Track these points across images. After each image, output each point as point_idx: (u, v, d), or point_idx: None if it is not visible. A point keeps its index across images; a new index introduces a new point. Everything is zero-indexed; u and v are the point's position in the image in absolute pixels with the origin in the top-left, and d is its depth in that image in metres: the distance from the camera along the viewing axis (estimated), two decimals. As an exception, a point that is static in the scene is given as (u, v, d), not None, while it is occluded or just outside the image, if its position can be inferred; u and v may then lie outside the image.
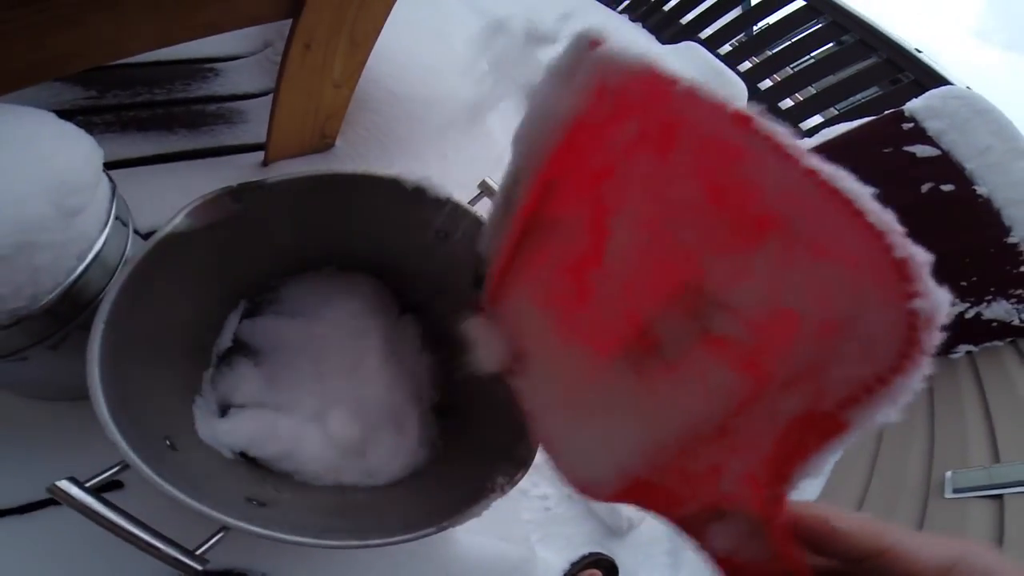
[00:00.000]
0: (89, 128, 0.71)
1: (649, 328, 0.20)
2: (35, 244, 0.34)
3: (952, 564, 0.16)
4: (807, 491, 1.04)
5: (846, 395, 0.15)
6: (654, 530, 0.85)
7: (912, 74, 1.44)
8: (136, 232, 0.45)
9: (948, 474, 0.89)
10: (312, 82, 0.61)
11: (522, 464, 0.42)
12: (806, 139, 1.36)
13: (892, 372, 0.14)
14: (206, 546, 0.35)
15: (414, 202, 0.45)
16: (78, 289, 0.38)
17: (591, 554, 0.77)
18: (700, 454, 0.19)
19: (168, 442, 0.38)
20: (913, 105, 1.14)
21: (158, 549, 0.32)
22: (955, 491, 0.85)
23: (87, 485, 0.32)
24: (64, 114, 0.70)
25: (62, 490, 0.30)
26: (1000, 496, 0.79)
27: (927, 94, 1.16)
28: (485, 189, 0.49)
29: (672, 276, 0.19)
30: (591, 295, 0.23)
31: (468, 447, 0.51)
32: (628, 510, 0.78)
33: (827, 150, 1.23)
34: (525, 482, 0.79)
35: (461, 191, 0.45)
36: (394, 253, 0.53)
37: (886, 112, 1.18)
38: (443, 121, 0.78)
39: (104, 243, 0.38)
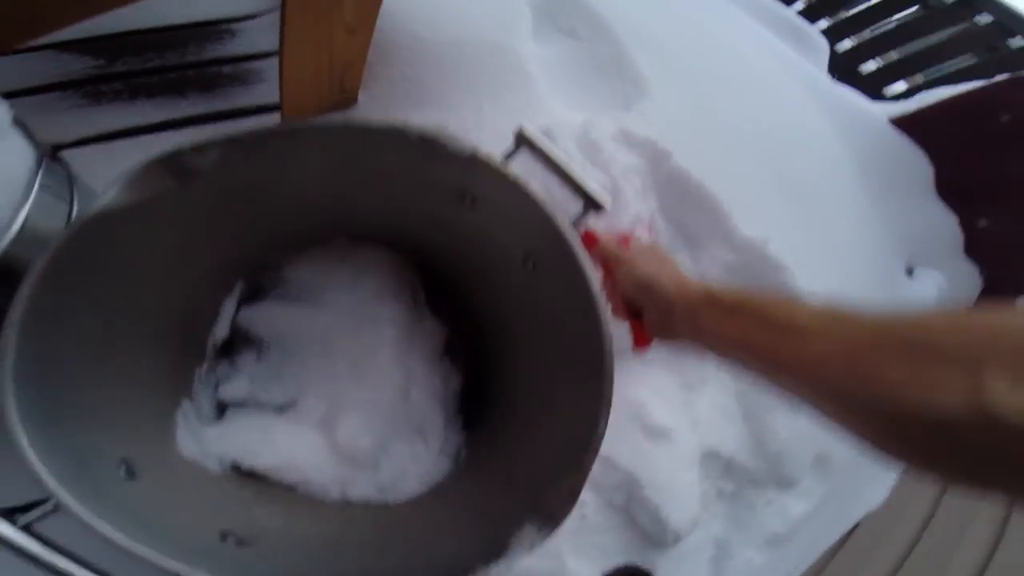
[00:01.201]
0: (98, 98, 0.66)
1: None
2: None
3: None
4: (868, 503, 0.90)
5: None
6: (698, 538, 0.74)
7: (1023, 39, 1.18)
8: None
9: None
10: (320, 29, 0.49)
11: (567, 502, 0.31)
12: (904, 103, 1.13)
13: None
14: None
15: (428, 157, 0.33)
16: (6, 272, 0.29)
17: (624, 567, 0.67)
18: None
19: (125, 467, 0.30)
20: None
21: None
22: None
23: (18, 520, 0.25)
24: (73, 85, 0.65)
25: None
26: None
27: None
28: (522, 140, 0.36)
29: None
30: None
31: (498, 465, 0.41)
32: (676, 521, 0.67)
33: (933, 114, 1.04)
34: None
35: (500, 144, 0.34)
36: (411, 222, 0.42)
37: (1005, 76, 0.98)
38: (477, 67, 0.65)
39: (25, 222, 0.29)
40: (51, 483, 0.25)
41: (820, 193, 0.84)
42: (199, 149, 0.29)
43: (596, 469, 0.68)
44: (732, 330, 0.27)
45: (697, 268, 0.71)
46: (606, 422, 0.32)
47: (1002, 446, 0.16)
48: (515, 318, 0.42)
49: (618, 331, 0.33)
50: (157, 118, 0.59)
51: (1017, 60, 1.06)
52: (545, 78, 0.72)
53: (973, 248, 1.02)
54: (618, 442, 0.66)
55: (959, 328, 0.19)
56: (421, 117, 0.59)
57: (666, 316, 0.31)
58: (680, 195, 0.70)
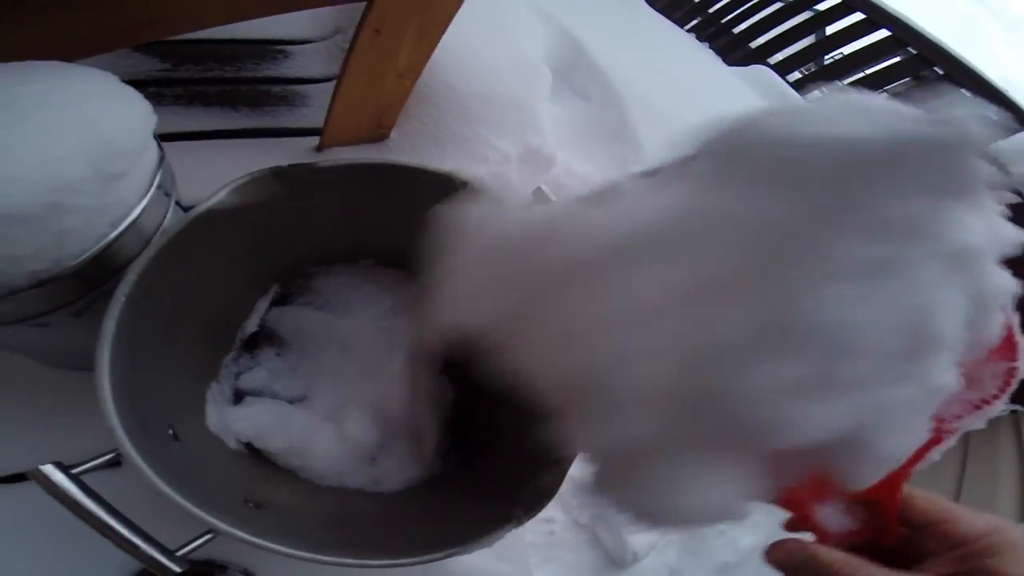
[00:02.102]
0: (159, 99, 0.71)
1: None
2: (65, 207, 0.31)
3: (992, 530, 0.20)
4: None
5: (959, 412, 0.21)
6: (654, 565, 0.79)
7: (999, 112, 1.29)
8: (179, 204, 0.41)
9: None
10: (377, 70, 0.57)
11: (545, 495, 0.36)
12: None
13: (992, 399, 0.20)
14: (188, 548, 0.31)
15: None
16: (108, 256, 0.34)
17: None
18: None
19: (171, 431, 0.35)
20: (999, 146, 1.02)
21: (136, 547, 0.28)
22: None
23: (75, 471, 0.29)
24: (138, 83, 0.70)
25: (44, 475, 0.27)
26: None
27: (1017, 135, 0.97)
28: (539, 197, 0.43)
29: None
30: None
31: (485, 465, 0.46)
32: (636, 543, 0.72)
33: None
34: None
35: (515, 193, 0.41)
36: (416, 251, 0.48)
37: None
38: (499, 119, 0.73)
39: (142, 212, 0.35)
40: (123, 438, 0.30)
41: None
42: (301, 169, 0.36)
43: (565, 488, 0.73)
44: None
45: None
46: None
47: None
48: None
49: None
50: (209, 127, 0.64)
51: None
52: (556, 135, 0.80)
53: None
54: (588, 465, 0.72)
55: None
56: (442, 159, 0.66)
57: None
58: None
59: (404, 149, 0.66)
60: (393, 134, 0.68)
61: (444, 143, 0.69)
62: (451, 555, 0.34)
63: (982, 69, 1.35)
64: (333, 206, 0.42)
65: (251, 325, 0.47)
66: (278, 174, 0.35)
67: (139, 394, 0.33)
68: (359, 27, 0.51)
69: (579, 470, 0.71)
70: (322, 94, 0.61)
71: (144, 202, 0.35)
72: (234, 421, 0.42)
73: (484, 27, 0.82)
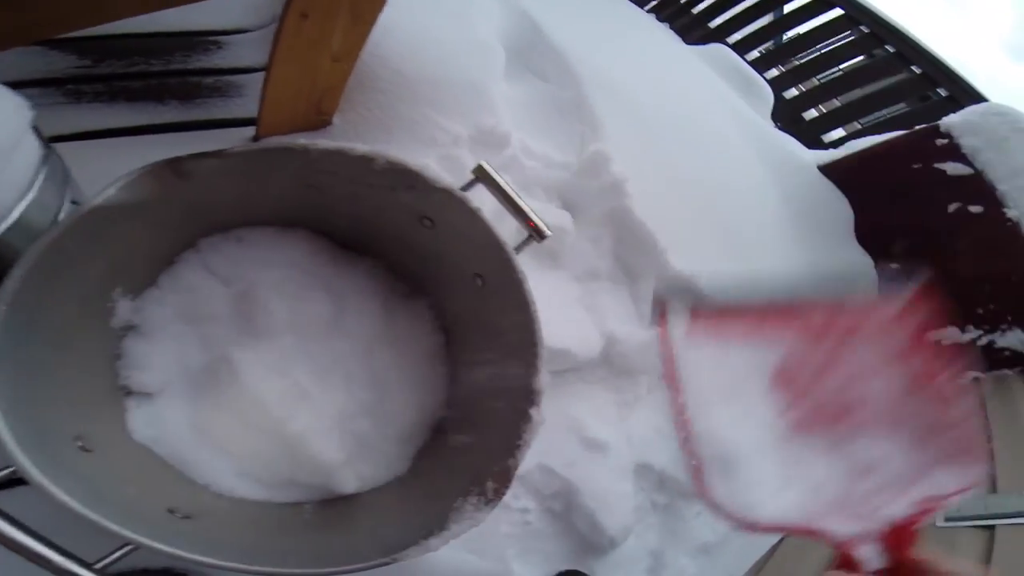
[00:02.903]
0: (78, 97, 0.67)
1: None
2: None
3: None
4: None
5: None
6: (635, 549, 0.79)
7: (947, 90, 1.31)
8: (74, 203, 0.38)
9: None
10: (308, 55, 0.54)
11: (494, 496, 0.35)
12: (832, 151, 1.24)
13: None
14: (108, 559, 0.29)
15: (394, 184, 0.38)
16: (-8, 259, 0.31)
17: (566, 571, 0.71)
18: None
19: (79, 443, 0.32)
20: (950, 120, 1.03)
21: (49, 562, 0.26)
22: (947, 520, 0.77)
23: None
24: (55, 82, 0.66)
25: None
26: (992, 527, 0.71)
27: (966, 110, 1.05)
28: (480, 175, 0.41)
29: None
30: None
31: (445, 458, 0.44)
32: (612, 528, 0.71)
33: (853, 163, 1.14)
34: (507, 494, 0.73)
35: (463, 170, 0.38)
36: (377, 236, 0.45)
37: (920, 126, 1.08)
38: (451, 101, 0.70)
39: (25, 212, 0.32)
40: (14, 449, 0.27)
41: (749, 232, 0.94)
42: (198, 157, 0.33)
43: (537, 477, 0.72)
44: None
45: (635, 299, 0.78)
46: (538, 417, 0.36)
47: None
48: (467, 330, 0.46)
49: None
50: (135, 122, 0.60)
51: (942, 110, 1.13)
52: (511, 115, 0.78)
53: (885, 290, 1.13)
54: (558, 453, 0.71)
55: None
56: (390, 142, 0.63)
57: None
58: (622, 231, 0.77)
59: (347, 134, 0.64)
60: (336, 120, 0.65)
61: (390, 128, 0.66)
62: (404, 557, 0.33)
63: (931, 47, 1.38)
64: (247, 195, 0.39)
65: (141, 319, 0.41)
66: (172, 166, 0.32)
67: (35, 405, 0.30)
68: (284, 12, 0.48)
69: (554, 460, 0.70)
70: (257, 84, 0.57)
71: (26, 201, 0.31)
72: (139, 427, 0.39)
73: (435, 8, 0.80)
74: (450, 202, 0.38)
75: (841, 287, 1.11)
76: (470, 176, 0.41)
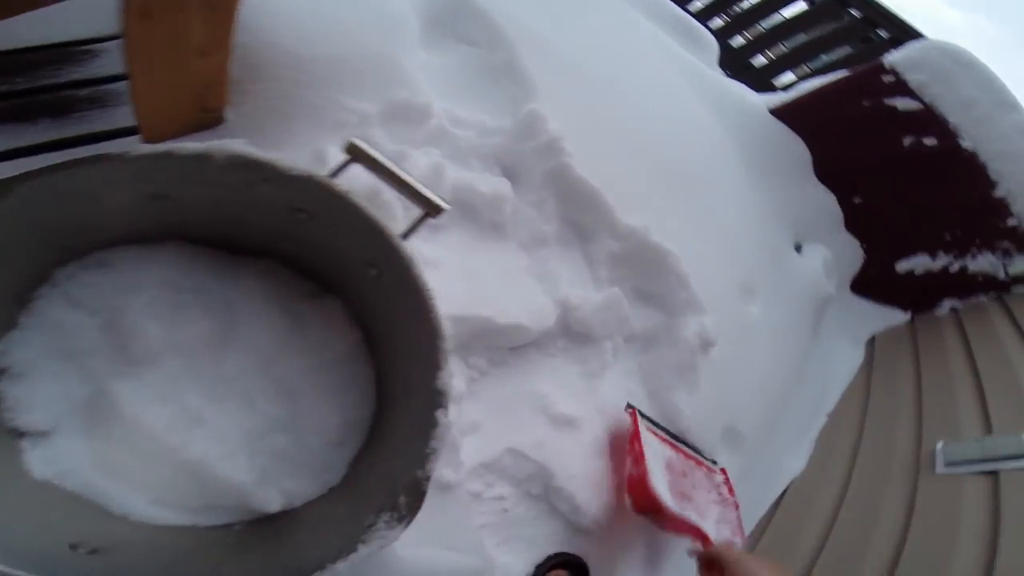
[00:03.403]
0: None
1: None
2: None
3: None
4: (790, 471, 0.96)
5: None
6: (630, 528, 0.77)
7: (888, 31, 1.34)
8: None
9: (939, 445, 0.80)
10: (167, 54, 0.48)
11: (410, 507, 0.32)
12: (782, 94, 1.23)
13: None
14: None
15: (250, 179, 0.34)
16: None
17: (557, 555, 0.69)
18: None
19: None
20: (893, 57, 1.04)
21: None
22: (947, 464, 0.77)
23: None
24: None
25: None
26: (996, 473, 0.71)
27: (907, 46, 1.06)
28: (354, 153, 0.37)
29: None
30: None
31: (365, 471, 0.42)
32: (594, 509, 0.69)
33: (804, 103, 1.14)
34: (477, 484, 0.71)
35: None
36: (255, 234, 0.41)
37: (864, 64, 1.09)
38: (357, 79, 0.65)
39: None
40: None
41: (704, 181, 0.91)
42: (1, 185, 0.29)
43: (508, 462, 0.70)
44: None
45: (589, 261, 0.75)
46: (445, 421, 0.33)
47: None
48: (373, 324, 0.43)
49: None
50: (1, 147, 0.55)
51: (884, 49, 1.16)
52: (433, 85, 0.73)
53: (851, 223, 1.13)
54: (525, 434, 0.69)
55: None
56: (291, 133, 0.59)
57: None
58: (566, 192, 0.73)
59: (245, 128, 0.59)
60: (229, 115, 0.60)
61: (290, 115, 0.61)
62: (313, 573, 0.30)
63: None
64: (74, 214, 0.34)
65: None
66: None
67: None
68: (123, 16, 0.43)
69: (522, 442, 0.67)
70: (136, 90, 0.52)
71: None
72: (37, 465, 0.36)
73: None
74: (315, 190, 0.34)
75: (807, 225, 1.09)
76: (343, 157, 0.37)
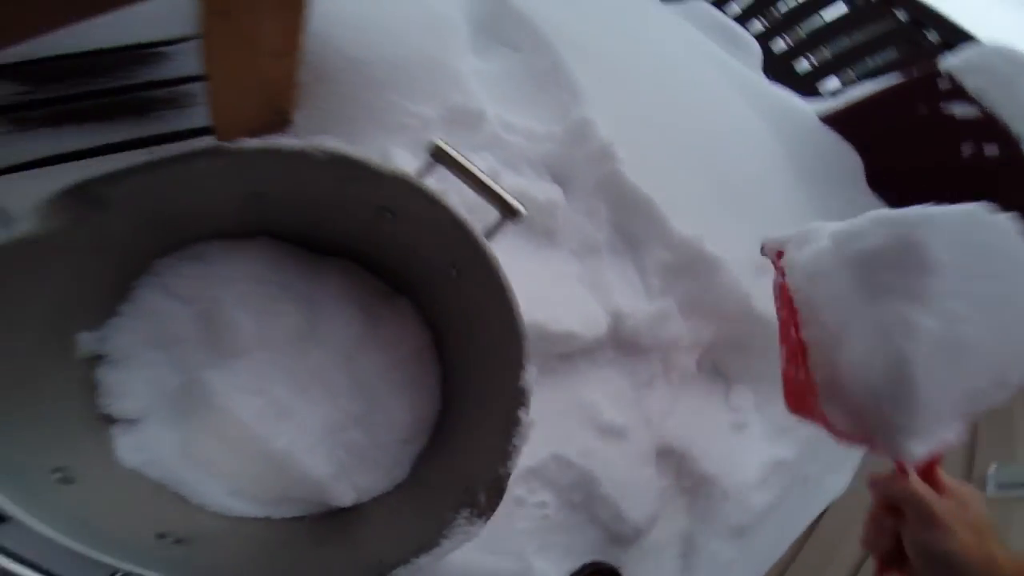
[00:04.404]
0: (23, 125, 0.66)
1: None
2: None
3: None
4: (833, 490, 0.94)
5: None
6: (665, 535, 0.77)
7: (939, 34, 1.29)
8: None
9: (992, 468, 0.78)
10: (243, 56, 0.51)
11: (489, 504, 0.34)
12: (831, 100, 1.22)
13: None
14: None
15: (342, 177, 0.36)
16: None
17: (591, 563, 0.70)
18: None
19: (59, 474, 0.31)
20: (950, 62, 1.01)
21: None
22: (998, 487, 0.76)
23: None
24: None
25: None
26: None
27: (963, 49, 1.03)
28: (438, 155, 0.39)
29: None
30: None
31: (439, 467, 0.43)
32: (636, 516, 0.70)
33: (856, 111, 1.13)
34: (521, 489, 0.72)
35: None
36: (339, 232, 0.43)
37: (918, 69, 1.07)
38: (413, 83, 0.68)
39: None
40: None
41: (756, 189, 0.91)
42: (109, 178, 0.31)
43: (553, 468, 0.71)
44: None
45: (640, 270, 0.76)
46: (527, 419, 0.35)
47: None
48: (449, 325, 0.45)
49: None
50: (85, 145, 0.59)
51: (934, 52, 1.14)
52: (485, 90, 0.76)
53: None
54: (573, 442, 0.69)
55: None
56: (353, 134, 0.61)
57: None
58: (618, 199, 0.74)
59: (311, 131, 0.61)
60: (297, 117, 0.63)
61: (355, 118, 0.64)
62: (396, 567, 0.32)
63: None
64: (176, 207, 0.37)
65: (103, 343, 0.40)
66: (76, 191, 0.31)
67: (9, 444, 0.29)
68: (202, 16, 0.46)
69: (569, 449, 0.68)
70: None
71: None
72: (127, 453, 0.38)
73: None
74: (405, 189, 0.36)
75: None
76: (427, 158, 0.39)
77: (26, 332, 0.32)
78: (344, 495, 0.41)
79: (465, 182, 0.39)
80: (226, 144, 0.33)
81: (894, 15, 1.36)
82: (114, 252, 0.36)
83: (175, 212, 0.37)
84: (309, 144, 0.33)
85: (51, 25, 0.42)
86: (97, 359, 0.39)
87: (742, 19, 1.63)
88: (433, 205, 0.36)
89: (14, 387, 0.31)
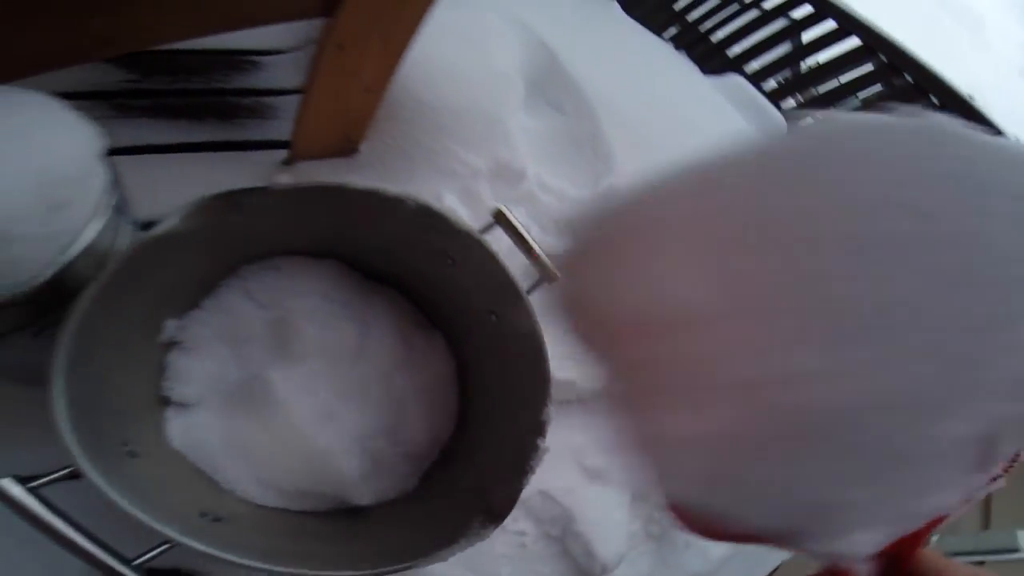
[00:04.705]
0: (126, 111, 0.72)
1: None
2: (11, 236, 0.32)
3: None
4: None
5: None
6: (629, 574, 0.81)
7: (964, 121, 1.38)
8: (135, 223, 0.43)
9: (934, 539, 0.84)
10: (342, 85, 0.59)
11: (499, 516, 0.39)
12: None
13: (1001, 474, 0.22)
14: (146, 557, 0.33)
15: (423, 225, 0.42)
16: (61, 281, 0.35)
17: None
18: None
19: (127, 447, 0.36)
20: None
21: (93, 557, 0.31)
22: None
23: (33, 484, 0.31)
24: (104, 95, 0.71)
25: (1, 488, 0.29)
26: (982, 562, 0.75)
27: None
28: (499, 219, 0.46)
29: None
30: None
31: (454, 475, 0.49)
32: (605, 555, 0.75)
33: None
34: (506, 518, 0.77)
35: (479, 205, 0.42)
36: (406, 272, 0.50)
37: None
38: (470, 133, 0.75)
39: (94, 237, 0.36)
40: (78, 455, 0.31)
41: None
42: (256, 191, 0.38)
43: (537, 502, 0.76)
44: None
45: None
46: (543, 445, 0.40)
47: None
48: (478, 360, 0.51)
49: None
50: (174, 139, 0.65)
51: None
52: (528, 148, 0.83)
53: None
54: (558, 479, 0.75)
55: None
56: (411, 174, 0.68)
57: None
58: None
59: (373, 165, 0.68)
60: (363, 148, 0.69)
61: (413, 157, 0.71)
62: (415, 564, 0.36)
63: (949, 76, 1.43)
64: (288, 227, 0.44)
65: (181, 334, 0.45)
66: (229, 199, 0.37)
67: (93, 414, 0.34)
68: (322, 43, 0.53)
69: (554, 487, 0.73)
70: (291, 106, 0.62)
71: (94, 227, 0.36)
72: (175, 435, 0.43)
73: (456, 38, 0.85)
74: (471, 243, 0.42)
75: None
76: (489, 218, 0.46)
77: (135, 317, 0.38)
78: (364, 496, 0.46)
79: (517, 245, 0.46)
80: (348, 184, 0.39)
81: (928, 98, 1.39)
82: (217, 253, 0.42)
83: (271, 227, 0.43)
84: (404, 193, 0.40)
85: (204, 31, 0.49)
86: (171, 344, 0.44)
87: (777, 94, 1.68)
88: (491, 261, 0.43)
89: (115, 367, 0.37)
